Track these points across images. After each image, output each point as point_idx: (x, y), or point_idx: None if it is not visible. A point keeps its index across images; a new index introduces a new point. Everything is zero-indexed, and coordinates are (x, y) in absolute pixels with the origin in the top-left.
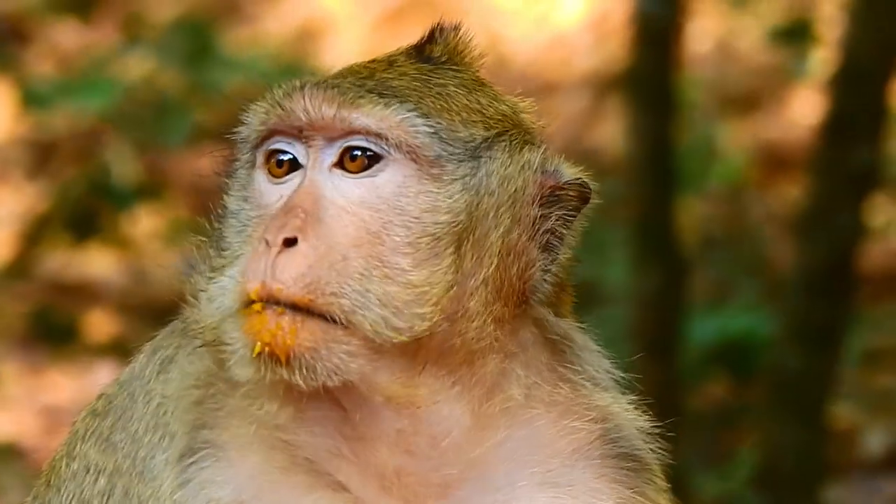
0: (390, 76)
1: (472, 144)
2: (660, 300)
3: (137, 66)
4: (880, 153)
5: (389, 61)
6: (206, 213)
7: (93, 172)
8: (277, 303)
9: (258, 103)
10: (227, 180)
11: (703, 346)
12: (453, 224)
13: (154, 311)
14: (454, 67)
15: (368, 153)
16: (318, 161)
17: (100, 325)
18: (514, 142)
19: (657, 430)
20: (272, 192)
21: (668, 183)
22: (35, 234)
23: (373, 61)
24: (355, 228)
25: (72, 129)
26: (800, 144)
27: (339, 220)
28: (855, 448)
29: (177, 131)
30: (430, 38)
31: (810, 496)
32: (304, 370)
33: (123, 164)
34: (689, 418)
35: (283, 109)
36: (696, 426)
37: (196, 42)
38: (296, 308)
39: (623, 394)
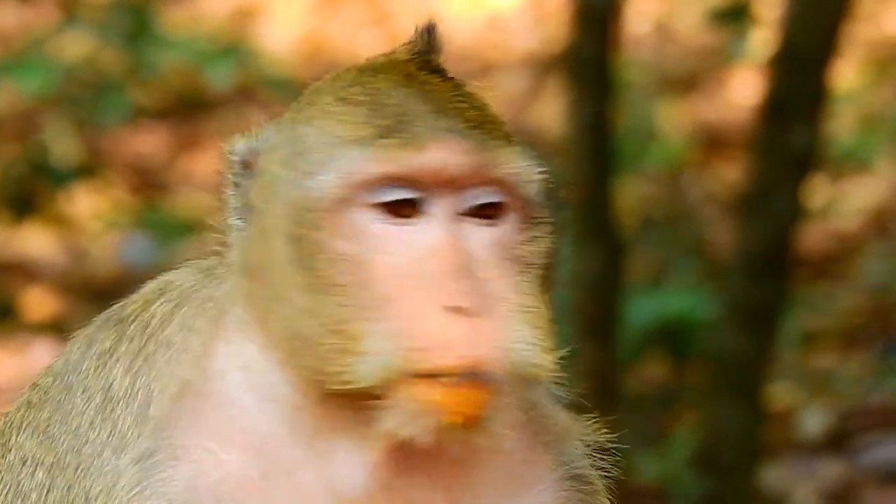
0: (459, 105)
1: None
2: (598, 281)
3: (76, 46)
4: (819, 135)
5: (417, 78)
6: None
7: (32, 151)
8: (475, 375)
9: (369, 141)
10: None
11: (642, 326)
12: (546, 263)
13: (92, 291)
14: (461, 81)
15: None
16: (451, 209)
17: (38, 303)
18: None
19: (611, 447)
20: (396, 238)
21: (607, 164)
22: None
23: (399, 77)
24: (502, 280)
25: (10, 109)
26: (739, 126)
27: (489, 273)
28: (793, 429)
29: (116, 111)
30: (432, 44)
31: (749, 477)
32: (484, 432)
33: (62, 144)
34: (628, 399)
35: (423, 156)
36: (634, 407)
37: (135, 22)
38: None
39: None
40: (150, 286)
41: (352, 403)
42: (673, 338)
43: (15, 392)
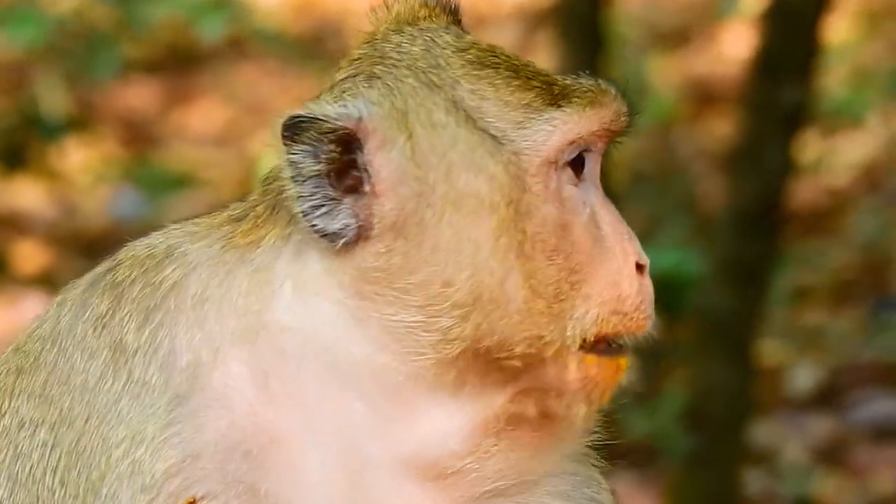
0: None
1: None
2: None
3: None
4: (810, 90)
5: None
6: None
7: (22, 105)
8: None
9: (565, 104)
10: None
11: None
12: None
13: (83, 244)
14: None
15: None
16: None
17: (29, 256)
18: None
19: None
20: (578, 198)
21: None
22: None
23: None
24: None
25: (1, 62)
26: (730, 80)
27: None
28: (783, 385)
29: (106, 64)
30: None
31: (738, 433)
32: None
33: (53, 97)
34: None
35: (610, 113)
36: None
37: None
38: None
39: None
40: (140, 251)
41: (488, 369)
42: (663, 294)
43: (7, 345)
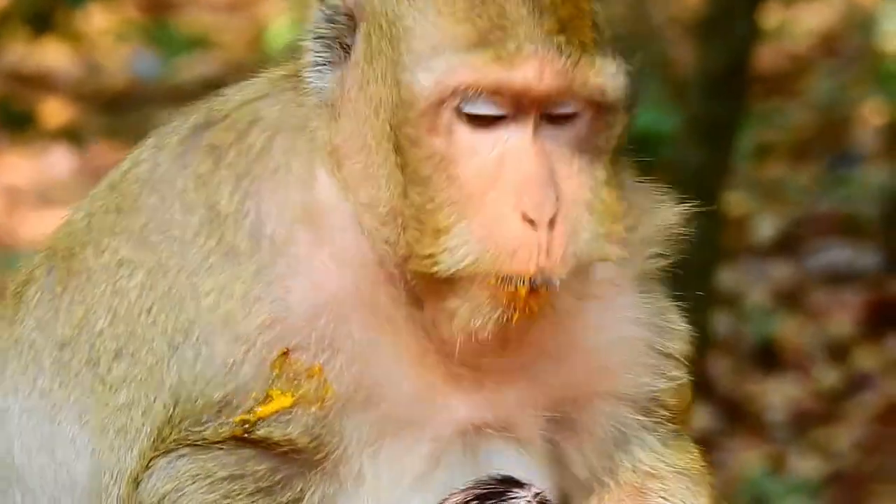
0: (573, 11)
1: None
2: None
3: None
4: None
5: None
6: None
7: None
8: (537, 282)
9: (465, 48)
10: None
11: None
12: (619, 139)
13: (104, 100)
14: None
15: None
16: (534, 118)
17: (55, 111)
18: None
19: None
20: (482, 142)
21: None
22: None
23: None
24: (576, 176)
25: None
26: None
27: (564, 171)
28: (747, 234)
29: None
30: None
31: (707, 278)
32: (546, 306)
33: None
34: None
35: (514, 73)
36: None
37: None
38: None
39: None
40: (233, 110)
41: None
42: (641, 149)
43: (37, 193)
